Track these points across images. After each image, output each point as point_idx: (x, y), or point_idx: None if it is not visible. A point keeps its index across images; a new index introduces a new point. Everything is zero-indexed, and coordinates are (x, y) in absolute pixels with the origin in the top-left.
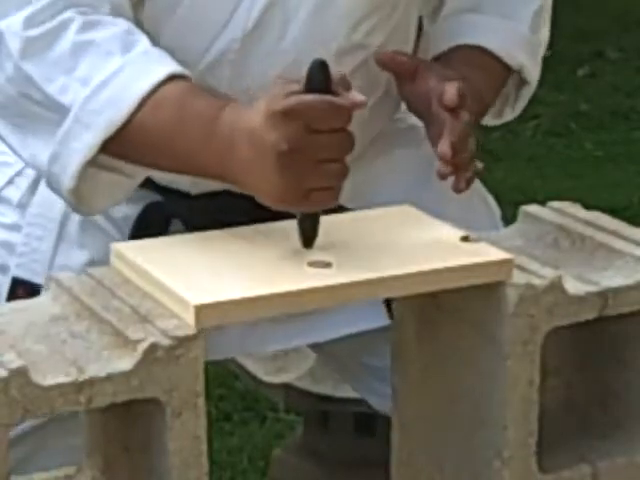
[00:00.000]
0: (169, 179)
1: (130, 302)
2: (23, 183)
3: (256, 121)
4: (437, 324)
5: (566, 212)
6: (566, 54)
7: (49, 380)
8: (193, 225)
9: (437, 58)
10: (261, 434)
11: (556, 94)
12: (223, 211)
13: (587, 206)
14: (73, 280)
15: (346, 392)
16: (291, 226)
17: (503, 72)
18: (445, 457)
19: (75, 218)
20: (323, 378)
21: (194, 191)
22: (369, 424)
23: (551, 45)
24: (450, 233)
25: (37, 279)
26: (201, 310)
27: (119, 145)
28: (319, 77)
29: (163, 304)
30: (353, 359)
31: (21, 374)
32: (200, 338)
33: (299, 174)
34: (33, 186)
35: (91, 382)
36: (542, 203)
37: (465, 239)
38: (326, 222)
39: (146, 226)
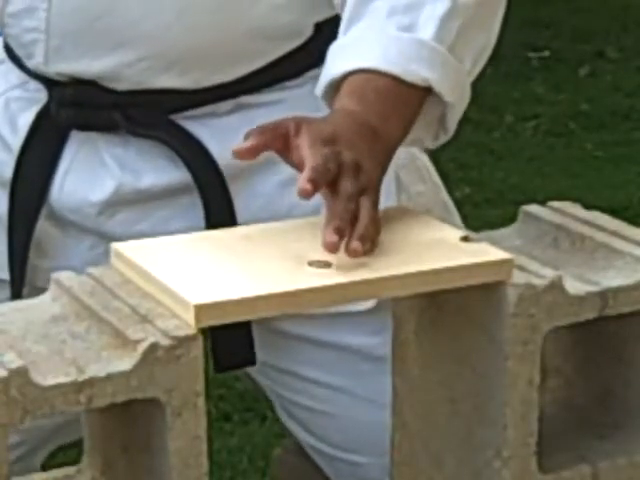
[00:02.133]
0: (34, 64)
1: (130, 302)
2: None
3: None
4: (437, 324)
5: (566, 212)
6: (566, 54)
7: (49, 380)
8: (69, 117)
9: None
10: (261, 434)
11: (556, 94)
12: (92, 102)
13: (587, 206)
14: (73, 280)
15: None
16: (292, 226)
17: (410, 92)
18: (445, 457)
19: None
20: None
21: (52, 71)
22: None
23: (551, 45)
24: (450, 233)
25: None
26: (201, 310)
27: None
28: None
29: (163, 304)
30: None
31: (21, 374)
32: (200, 338)
33: None
34: None
35: (91, 382)
36: (542, 203)
37: (465, 239)
38: None
39: (40, 132)
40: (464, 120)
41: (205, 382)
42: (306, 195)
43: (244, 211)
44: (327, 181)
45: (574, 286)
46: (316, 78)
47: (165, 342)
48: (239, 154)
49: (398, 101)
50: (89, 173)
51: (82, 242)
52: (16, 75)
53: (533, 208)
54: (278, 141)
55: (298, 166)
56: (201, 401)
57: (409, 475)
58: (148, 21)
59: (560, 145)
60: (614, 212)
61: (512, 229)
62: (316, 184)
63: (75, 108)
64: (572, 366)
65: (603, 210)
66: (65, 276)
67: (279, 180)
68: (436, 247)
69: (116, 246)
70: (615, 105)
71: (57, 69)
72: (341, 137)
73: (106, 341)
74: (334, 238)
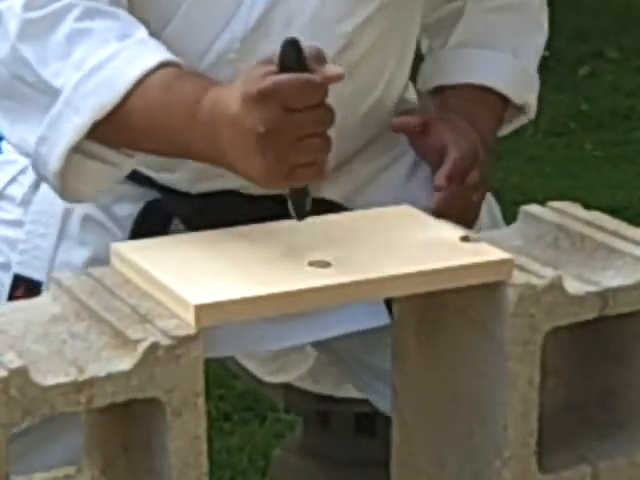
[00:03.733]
0: (170, 179)
1: (130, 302)
2: (26, 181)
3: (234, 106)
4: (437, 324)
5: (566, 212)
6: (566, 54)
7: (49, 380)
8: (193, 224)
9: (440, 88)
10: (261, 434)
11: (556, 94)
12: (224, 210)
13: (587, 206)
14: (73, 280)
15: (347, 392)
16: (291, 226)
17: (507, 108)
18: (445, 457)
19: (77, 215)
20: (323, 378)
21: (194, 191)
22: (370, 424)
23: (551, 45)
24: (450, 233)
25: (38, 276)
26: (201, 310)
27: (108, 128)
28: (292, 55)
29: (163, 304)
30: (354, 357)
31: (21, 374)
32: (200, 338)
33: (280, 153)
34: (36, 184)
35: (91, 382)
36: (542, 203)
37: (465, 239)
38: (326, 222)
39: (147, 224)
40: None
41: (205, 382)
42: (440, 190)
43: None
44: (461, 178)
45: (574, 286)
46: None
47: (165, 342)
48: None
49: (498, 112)
50: None
51: None
52: None
53: (533, 208)
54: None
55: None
56: (201, 401)
57: (409, 475)
58: None
59: (560, 145)
60: (614, 212)
61: (512, 229)
62: (451, 181)
63: (201, 216)
64: (572, 366)
65: (603, 210)
66: (65, 276)
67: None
68: (436, 247)
69: (116, 246)
70: (615, 105)
71: (202, 188)
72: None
73: (106, 341)
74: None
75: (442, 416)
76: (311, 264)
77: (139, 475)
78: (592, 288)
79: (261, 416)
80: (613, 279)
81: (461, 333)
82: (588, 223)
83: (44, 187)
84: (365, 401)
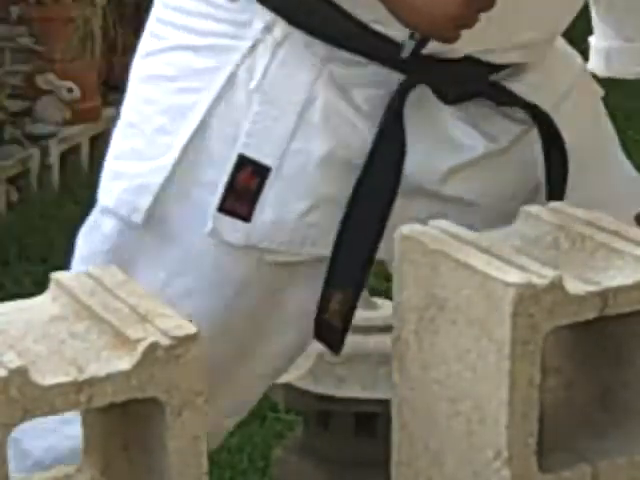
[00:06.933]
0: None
1: (130, 302)
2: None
3: None
4: (437, 324)
5: (566, 212)
6: None
7: (49, 380)
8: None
9: None
10: (261, 434)
11: None
12: (463, 77)
13: None
14: (73, 280)
15: (347, 392)
16: None
17: None
18: (445, 457)
19: (318, 105)
20: (323, 378)
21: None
22: (369, 424)
23: None
24: None
25: (267, 161)
26: None
27: None
28: None
29: (163, 304)
30: None
31: (21, 374)
32: (200, 338)
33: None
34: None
35: (91, 382)
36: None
37: None
38: None
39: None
40: None
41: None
42: None
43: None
44: None
45: (574, 286)
46: None
47: (165, 342)
48: None
49: None
50: (437, 142)
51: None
52: (324, 49)
53: (533, 208)
54: None
55: None
56: (201, 401)
57: (409, 475)
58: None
59: None
60: None
61: (512, 229)
62: None
63: (452, 84)
64: (572, 366)
65: None
66: (65, 276)
67: None
68: None
69: None
70: (615, 105)
71: (467, 50)
72: None
73: (106, 341)
74: None
75: (442, 416)
76: None
77: (139, 475)
78: (592, 288)
79: (261, 416)
80: (613, 279)
81: (461, 333)
82: (588, 223)
83: (278, 70)
84: (365, 401)
